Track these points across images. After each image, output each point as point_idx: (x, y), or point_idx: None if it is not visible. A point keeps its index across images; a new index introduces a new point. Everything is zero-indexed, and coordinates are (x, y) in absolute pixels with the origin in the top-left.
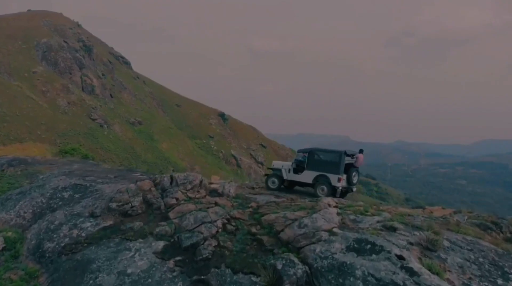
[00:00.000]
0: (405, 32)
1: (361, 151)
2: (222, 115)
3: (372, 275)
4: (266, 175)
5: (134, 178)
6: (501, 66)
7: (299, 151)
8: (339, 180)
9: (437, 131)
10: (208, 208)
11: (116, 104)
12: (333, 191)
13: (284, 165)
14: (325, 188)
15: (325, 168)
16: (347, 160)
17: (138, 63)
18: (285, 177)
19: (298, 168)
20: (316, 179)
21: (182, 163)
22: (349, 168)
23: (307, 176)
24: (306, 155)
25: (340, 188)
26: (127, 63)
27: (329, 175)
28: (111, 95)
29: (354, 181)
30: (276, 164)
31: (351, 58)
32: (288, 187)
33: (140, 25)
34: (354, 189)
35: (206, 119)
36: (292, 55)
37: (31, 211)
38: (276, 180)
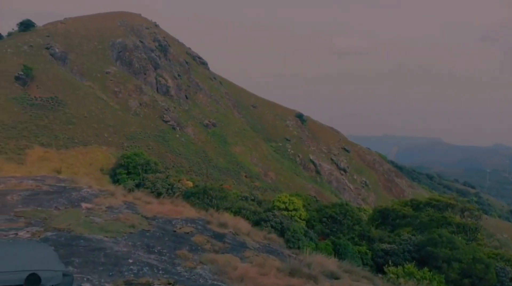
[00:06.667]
0: (503, 26)
1: None
2: (300, 116)
3: None
4: None
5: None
6: None
7: None
8: None
9: None
10: None
11: (191, 105)
12: None
13: None
14: None
15: None
16: None
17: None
18: None
19: None
20: None
21: (255, 168)
22: None
23: None
24: None
25: None
26: (204, 63)
27: None
28: (186, 96)
29: None
30: None
31: (441, 56)
32: None
33: (220, 20)
34: None
35: (282, 121)
36: (377, 53)
37: None
38: None
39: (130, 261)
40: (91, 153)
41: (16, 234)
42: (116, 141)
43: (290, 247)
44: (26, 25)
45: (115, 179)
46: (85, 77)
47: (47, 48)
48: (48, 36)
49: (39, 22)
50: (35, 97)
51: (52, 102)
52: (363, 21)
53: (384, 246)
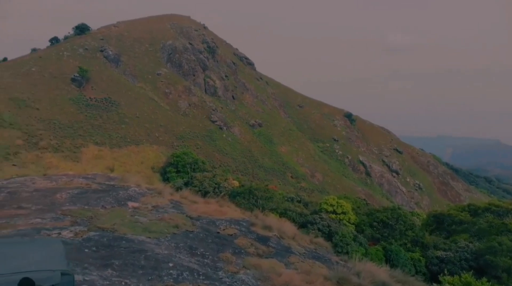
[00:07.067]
0: None
1: None
2: (348, 116)
3: None
4: None
5: None
6: None
7: None
8: None
9: None
10: None
11: (238, 105)
12: None
13: None
14: None
15: None
16: None
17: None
18: None
19: None
20: None
21: (301, 169)
22: None
23: None
24: None
25: None
26: (251, 63)
27: None
28: (233, 96)
29: None
30: None
31: (500, 56)
32: None
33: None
34: None
35: (330, 120)
36: (432, 51)
37: None
38: None
39: (170, 264)
40: (142, 152)
41: (59, 233)
42: (166, 141)
43: (338, 252)
44: (81, 29)
45: (165, 177)
46: (137, 78)
47: (101, 51)
48: (102, 39)
49: (94, 25)
50: (90, 98)
51: (106, 102)
52: (417, 17)
53: (439, 253)
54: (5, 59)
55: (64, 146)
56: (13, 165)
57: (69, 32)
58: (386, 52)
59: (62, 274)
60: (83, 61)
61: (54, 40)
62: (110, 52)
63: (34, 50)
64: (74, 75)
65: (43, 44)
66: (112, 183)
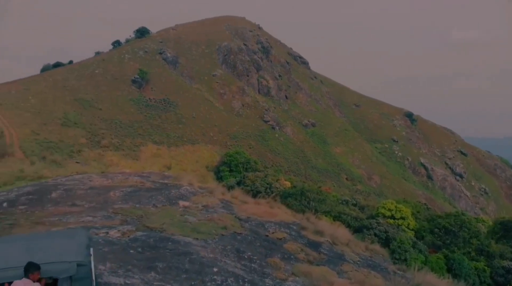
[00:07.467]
0: None
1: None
2: (409, 115)
3: None
4: None
5: None
6: None
7: None
8: None
9: None
10: None
11: (291, 105)
12: None
13: None
14: None
15: None
16: None
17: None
18: None
19: None
20: None
21: (357, 171)
22: None
23: None
24: None
25: None
26: (305, 63)
27: None
28: (286, 96)
29: None
30: None
31: None
32: None
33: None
34: None
35: (389, 120)
36: (495, 45)
37: None
38: None
39: (215, 269)
40: (198, 151)
41: (107, 233)
42: (220, 140)
43: (395, 259)
44: (142, 32)
45: (219, 176)
46: (194, 80)
47: (160, 53)
48: (161, 42)
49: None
50: (149, 98)
51: (164, 103)
52: (485, 11)
53: (506, 263)
54: (70, 62)
55: (125, 144)
56: (76, 162)
57: (130, 36)
58: (450, 48)
59: (78, 265)
60: (143, 63)
61: (116, 43)
62: (169, 54)
63: (97, 53)
64: (134, 77)
65: (106, 47)
66: (165, 181)
